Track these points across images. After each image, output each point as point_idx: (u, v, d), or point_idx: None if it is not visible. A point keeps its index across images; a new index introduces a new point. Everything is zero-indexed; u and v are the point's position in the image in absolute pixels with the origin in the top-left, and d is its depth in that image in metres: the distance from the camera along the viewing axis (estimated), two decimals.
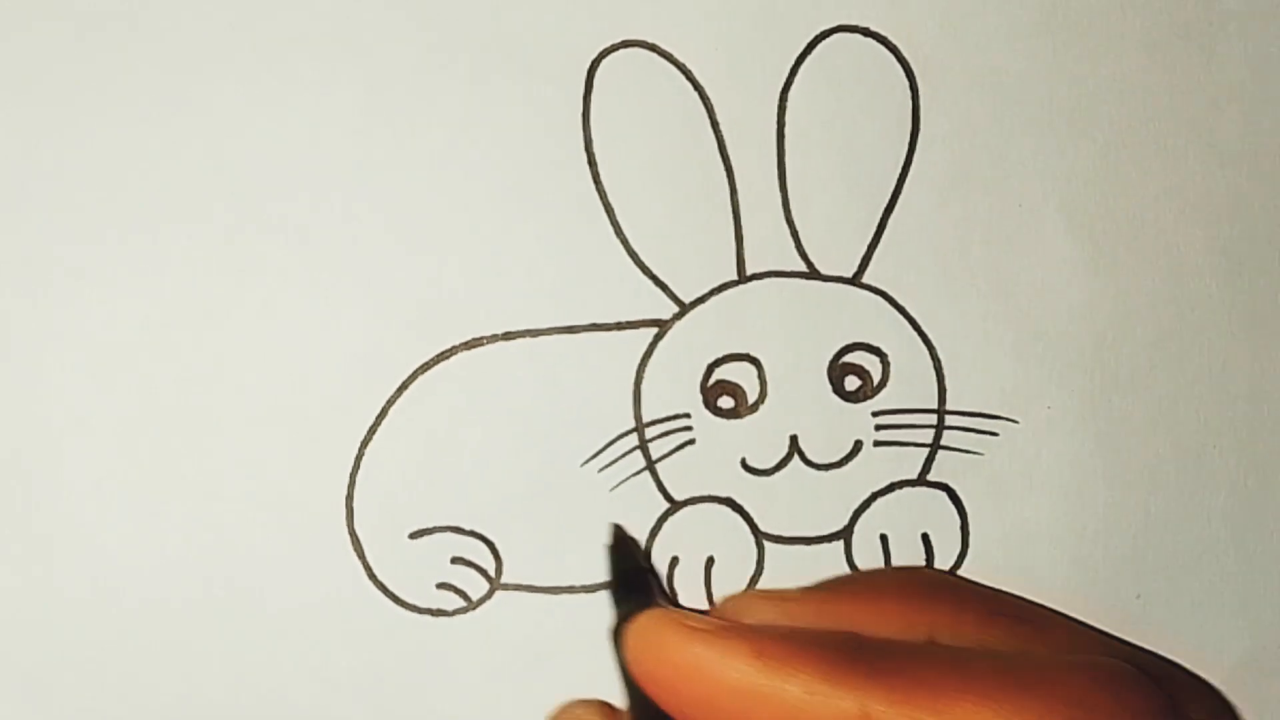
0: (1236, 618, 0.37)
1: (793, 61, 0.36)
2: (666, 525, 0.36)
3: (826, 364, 0.36)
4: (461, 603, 0.36)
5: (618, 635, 0.30)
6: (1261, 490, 0.37)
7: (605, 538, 0.34)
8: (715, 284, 0.36)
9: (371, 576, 0.35)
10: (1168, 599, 0.37)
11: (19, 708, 0.34)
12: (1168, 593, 0.37)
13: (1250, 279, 0.37)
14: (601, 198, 0.36)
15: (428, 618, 0.36)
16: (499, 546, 0.36)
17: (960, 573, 0.37)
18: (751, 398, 0.36)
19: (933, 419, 0.36)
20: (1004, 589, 0.35)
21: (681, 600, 0.36)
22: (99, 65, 0.34)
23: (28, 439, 0.34)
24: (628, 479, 0.36)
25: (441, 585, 0.36)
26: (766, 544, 0.36)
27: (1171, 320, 0.37)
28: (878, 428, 0.36)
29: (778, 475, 0.36)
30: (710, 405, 0.36)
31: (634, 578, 0.32)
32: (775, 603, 0.31)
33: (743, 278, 0.36)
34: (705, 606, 0.36)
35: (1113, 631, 0.37)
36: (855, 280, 0.36)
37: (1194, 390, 0.37)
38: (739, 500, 0.36)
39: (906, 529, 0.37)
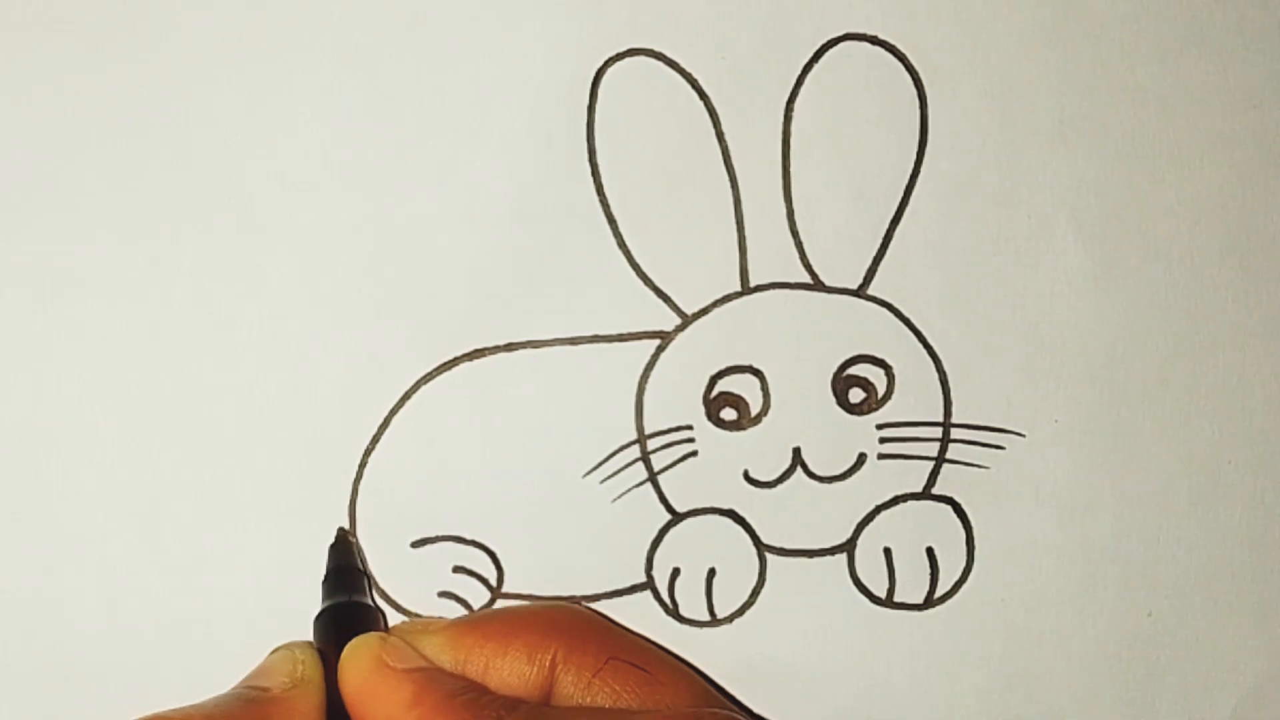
0: (1253, 639, 0.37)
1: (799, 70, 0.36)
2: (668, 537, 0.36)
3: (830, 376, 0.36)
4: (463, 611, 0.36)
5: (318, 621, 0.33)
6: (1279, 506, 0.36)
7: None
8: (718, 295, 0.36)
9: (374, 585, 0.36)
10: (1180, 618, 0.36)
11: (22, 713, 0.35)
12: (1180, 611, 0.36)
13: (1266, 290, 0.36)
14: (604, 208, 0.36)
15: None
16: (500, 556, 0.36)
17: (965, 588, 0.36)
18: (754, 410, 0.36)
19: (938, 432, 0.36)
20: (635, 633, 0.35)
21: (683, 612, 0.36)
22: (102, 74, 0.34)
23: (32, 448, 0.35)
24: (629, 490, 0.36)
25: (443, 594, 0.36)
26: (769, 556, 0.36)
27: (1185, 332, 0.36)
28: (882, 440, 0.36)
29: (780, 488, 0.36)
30: (713, 417, 0.36)
31: (347, 575, 0.34)
32: (418, 635, 0.33)
33: (746, 289, 0.36)
34: (706, 618, 0.36)
35: (1122, 649, 0.36)
36: (860, 292, 0.36)
37: (1208, 404, 0.36)
38: (741, 512, 0.36)
39: (910, 543, 0.36)
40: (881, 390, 0.36)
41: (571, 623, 0.33)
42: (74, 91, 0.35)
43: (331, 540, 0.35)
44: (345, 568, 0.34)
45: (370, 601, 0.34)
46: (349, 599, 0.34)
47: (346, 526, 0.35)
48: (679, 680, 0.32)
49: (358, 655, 0.32)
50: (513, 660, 0.32)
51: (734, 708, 0.32)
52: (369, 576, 0.35)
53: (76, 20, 0.35)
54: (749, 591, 0.36)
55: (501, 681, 0.32)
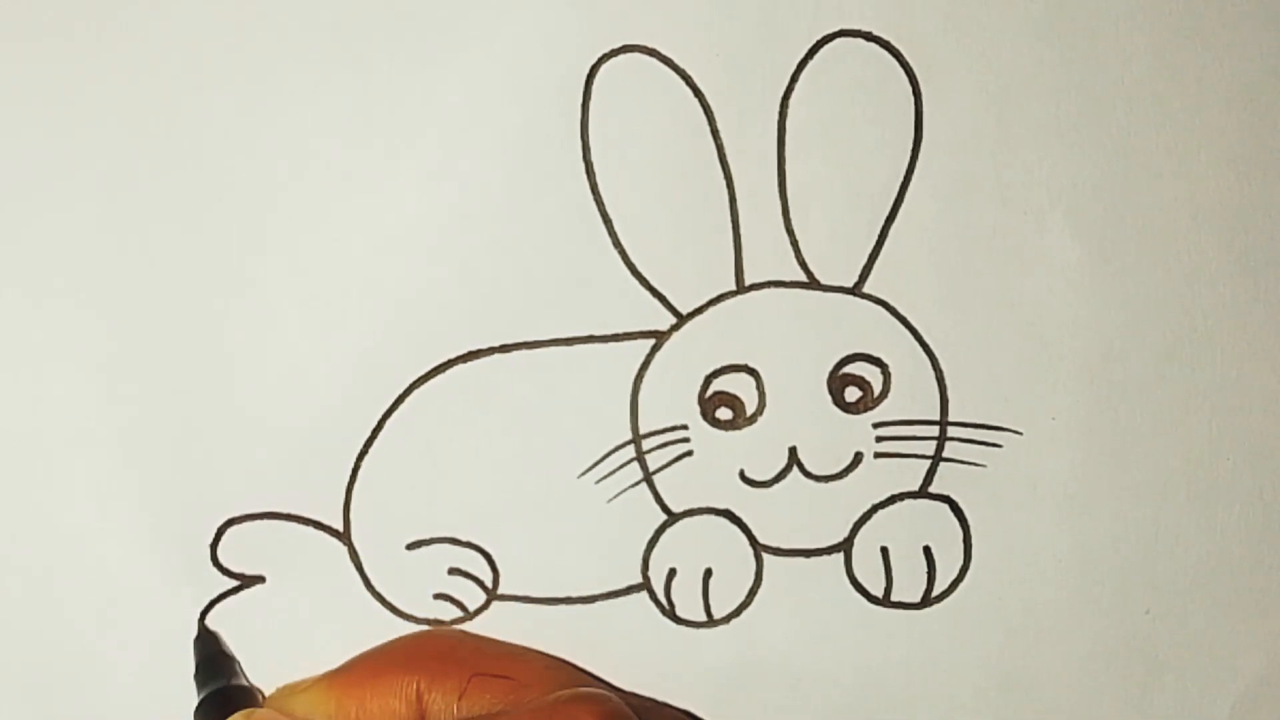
0: (1251, 635, 0.36)
1: (794, 67, 0.35)
2: (664, 537, 0.36)
3: (826, 375, 0.36)
4: (458, 613, 0.36)
5: (196, 715, 0.34)
6: (1278, 503, 0.36)
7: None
8: (713, 294, 0.36)
9: (369, 587, 0.36)
10: (1178, 616, 0.36)
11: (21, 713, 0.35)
12: (1178, 609, 0.36)
13: (1263, 285, 0.36)
14: (599, 207, 0.35)
15: (425, 628, 0.36)
16: (496, 558, 0.36)
17: (963, 586, 0.36)
18: (750, 409, 0.36)
19: (934, 430, 0.36)
20: (501, 642, 0.35)
21: (679, 612, 0.36)
22: (94, 74, 0.34)
23: (26, 449, 0.35)
24: (625, 490, 0.36)
25: (439, 596, 0.36)
26: (765, 556, 0.36)
27: (1182, 328, 0.36)
28: (878, 439, 0.36)
29: (776, 487, 0.36)
30: (708, 416, 0.36)
31: (216, 663, 0.35)
32: (288, 698, 0.34)
33: (741, 288, 0.36)
34: (702, 618, 0.36)
35: (1121, 648, 0.36)
36: (856, 290, 0.36)
37: (1206, 400, 0.36)
38: (737, 512, 0.36)
39: (907, 542, 0.36)
40: (877, 389, 0.36)
41: (430, 649, 0.34)
42: (64, 92, 0.34)
43: (195, 634, 0.35)
44: (213, 655, 0.35)
45: (243, 682, 0.35)
46: (219, 686, 0.34)
47: (206, 624, 0.35)
48: (545, 679, 0.33)
49: None
50: (382, 699, 0.33)
51: (598, 685, 0.33)
52: (236, 660, 0.35)
53: (70, 22, 0.34)
54: (745, 591, 0.36)
55: None
